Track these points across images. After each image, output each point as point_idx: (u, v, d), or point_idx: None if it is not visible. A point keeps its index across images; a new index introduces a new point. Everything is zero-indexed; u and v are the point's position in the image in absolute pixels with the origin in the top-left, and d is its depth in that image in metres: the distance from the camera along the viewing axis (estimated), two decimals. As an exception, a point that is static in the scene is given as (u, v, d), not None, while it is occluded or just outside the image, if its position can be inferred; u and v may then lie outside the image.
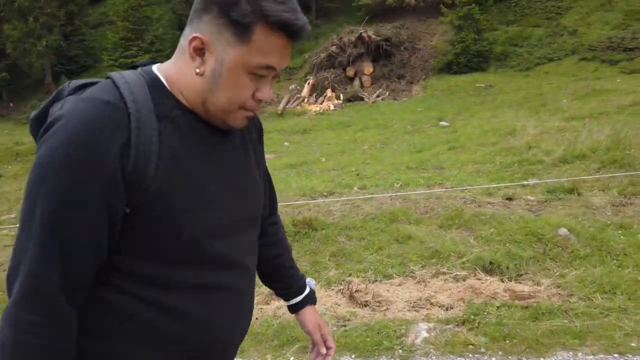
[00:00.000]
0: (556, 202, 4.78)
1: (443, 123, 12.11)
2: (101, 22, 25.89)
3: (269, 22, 0.79)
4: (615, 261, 3.34)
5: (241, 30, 0.80)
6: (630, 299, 2.80)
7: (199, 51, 0.83)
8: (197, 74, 0.83)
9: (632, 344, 2.34)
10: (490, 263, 3.46)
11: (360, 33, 18.48)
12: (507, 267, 3.40)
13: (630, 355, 2.28)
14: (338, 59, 18.64)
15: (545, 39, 16.07)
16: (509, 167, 6.60)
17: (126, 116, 0.78)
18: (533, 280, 3.25)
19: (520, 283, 3.26)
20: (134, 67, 0.90)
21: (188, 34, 0.84)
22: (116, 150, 0.77)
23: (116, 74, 0.85)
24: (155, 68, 0.89)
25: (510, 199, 5.04)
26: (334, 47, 18.98)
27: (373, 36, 18.50)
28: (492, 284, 3.22)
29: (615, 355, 2.30)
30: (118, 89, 0.80)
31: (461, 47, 16.05)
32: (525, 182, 5.57)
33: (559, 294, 3.00)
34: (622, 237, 3.69)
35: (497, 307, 2.87)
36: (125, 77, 0.83)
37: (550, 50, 15.55)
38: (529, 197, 5.04)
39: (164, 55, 22.83)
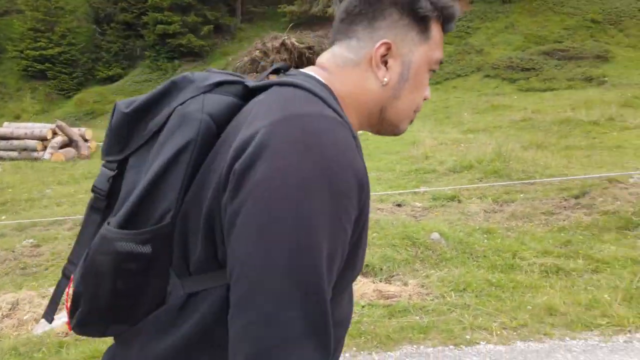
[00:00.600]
0: (439, 208, 5.17)
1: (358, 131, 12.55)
2: (7, 11, 23.98)
3: (444, 15, 0.80)
4: (475, 262, 3.70)
5: (424, 26, 0.78)
6: (477, 296, 3.12)
7: (383, 58, 0.78)
8: (384, 84, 0.78)
9: (467, 337, 2.63)
10: (367, 265, 3.68)
11: (284, 39, 18.67)
12: (381, 269, 3.65)
13: (464, 347, 2.55)
14: (261, 64, 18.69)
15: (455, 55, 17.18)
16: (407, 175, 7.02)
17: (354, 140, 0.69)
18: (402, 281, 3.52)
19: (390, 284, 3.51)
20: (277, 71, 0.81)
21: (358, 45, 0.78)
22: (366, 177, 0.68)
23: (302, 82, 0.73)
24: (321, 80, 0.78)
25: (399, 205, 5.38)
26: (258, 51, 19.02)
27: (296, 43, 18.76)
28: (365, 285, 3.44)
29: (451, 346, 2.56)
30: (330, 106, 0.70)
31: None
32: (416, 190, 5.97)
33: (420, 292, 3.27)
34: (486, 240, 4.09)
35: (362, 306, 3.07)
36: (320, 91, 0.73)
37: (458, 66, 16.64)
38: (416, 203, 5.41)
39: (77, 49, 21.61)
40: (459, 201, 5.32)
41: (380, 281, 3.55)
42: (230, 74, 0.79)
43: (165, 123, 0.73)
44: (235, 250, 0.63)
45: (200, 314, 0.69)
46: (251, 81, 0.77)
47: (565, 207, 4.92)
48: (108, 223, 0.72)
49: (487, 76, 15.69)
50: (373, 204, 5.44)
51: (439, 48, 0.81)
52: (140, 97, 0.78)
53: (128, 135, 0.77)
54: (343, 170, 0.63)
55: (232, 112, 0.72)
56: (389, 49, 0.77)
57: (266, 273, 0.61)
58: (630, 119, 8.58)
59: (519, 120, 10.21)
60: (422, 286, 3.40)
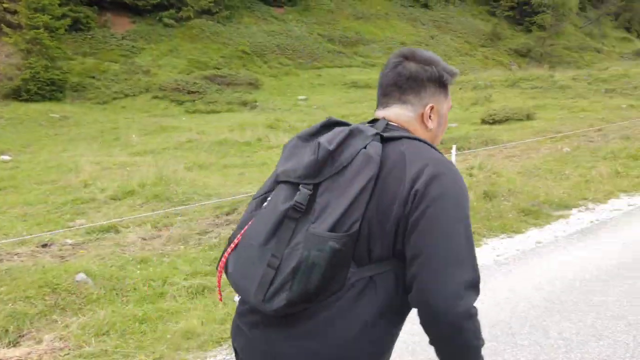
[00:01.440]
0: (93, 242, 4.79)
1: (4, 157, 10.56)
2: None
3: (454, 79, 1.29)
4: (124, 298, 3.55)
5: (446, 90, 1.29)
6: (121, 336, 2.98)
7: (429, 114, 1.26)
8: (430, 130, 1.26)
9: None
10: (-14, 331, 3.03)
11: None
12: (7, 331, 3.07)
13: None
14: None
15: (122, 75, 16.64)
16: (61, 207, 6.27)
17: None
18: (35, 339, 3.04)
19: (19, 346, 2.99)
20: (373, 122, 1.27)
21: (413, 108, 1.25)
22: None
23: (420, 137, 1.22)
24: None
25: (45, 245, 4.72)
26: None
27: None
28: (-20, 358, 2.81)
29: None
30: (438, 151, 1.21)
31: (30, 72, 14.57)
32: (70, 225, 5.38)
33: (55, 348, 2.90)
34: (138, 271, 3.99)
35: (-29, 387, 2.50)
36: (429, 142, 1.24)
37: (126, 85, 16.17)
38: (67, 240, 4.86)
39: None
40: (117, 231, 5.07)
41: (8, 346, 2.98)
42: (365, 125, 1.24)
43: (351, 160, 1.13)
44: (418, 241, 1.08)
45: (382, 289, 1.12)
46: (384, 133, 1.18)
47: (217, 225, 5.34)
48: (314, 227, 1.10)
49: (156, 97, 15.80)
50: (10, 249, 4.59)
51: (450, 98, 1.31)
52: (336, 138, 1.16)
53: (324, 165, 1.14)
54: (466, 189, 1.14)
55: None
56: (432, 108, 1.25)
57: (449, 249, 1.08)
58: (273, 139, 10.13)
59: (185, 141, 10.64)
60: (60, 339, 3.03)
